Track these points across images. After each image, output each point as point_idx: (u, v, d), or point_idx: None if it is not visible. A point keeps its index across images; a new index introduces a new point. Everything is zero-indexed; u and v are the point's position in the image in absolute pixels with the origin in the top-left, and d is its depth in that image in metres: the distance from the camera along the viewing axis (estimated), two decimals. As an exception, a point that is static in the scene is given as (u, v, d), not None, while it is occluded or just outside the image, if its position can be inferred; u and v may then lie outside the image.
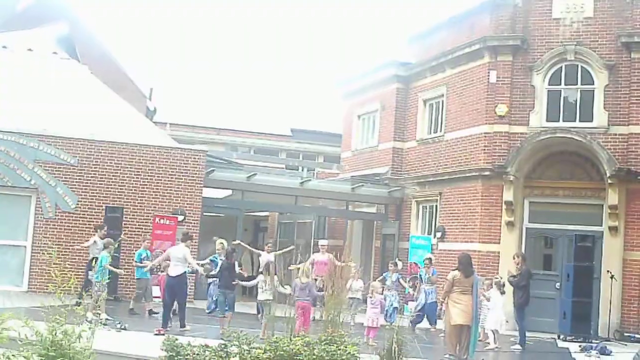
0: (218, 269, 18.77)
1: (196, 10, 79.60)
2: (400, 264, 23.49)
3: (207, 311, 20.98)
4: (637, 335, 20.56)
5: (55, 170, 23.38)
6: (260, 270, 22.11)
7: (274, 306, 14.87)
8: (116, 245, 18.52)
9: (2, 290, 21.62)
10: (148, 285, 20.26)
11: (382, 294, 17.84)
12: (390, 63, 28.96)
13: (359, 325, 16.76)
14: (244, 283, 18.71)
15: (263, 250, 22.61)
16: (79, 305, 7.97)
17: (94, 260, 18.46)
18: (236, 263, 18.09)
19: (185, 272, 17.15)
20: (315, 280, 18.65)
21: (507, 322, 18.89)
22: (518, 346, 17.99)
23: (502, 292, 18.00)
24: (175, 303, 17.28)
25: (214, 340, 12.67)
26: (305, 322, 15.29)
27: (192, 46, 71.55)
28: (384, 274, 22.15)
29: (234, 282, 17.49)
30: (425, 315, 20.79)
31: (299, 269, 17.75)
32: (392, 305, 21.40)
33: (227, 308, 17.19)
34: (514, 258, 19.40)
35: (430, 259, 22.38)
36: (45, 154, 23.34)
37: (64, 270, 7.59)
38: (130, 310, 19.85)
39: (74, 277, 7.54)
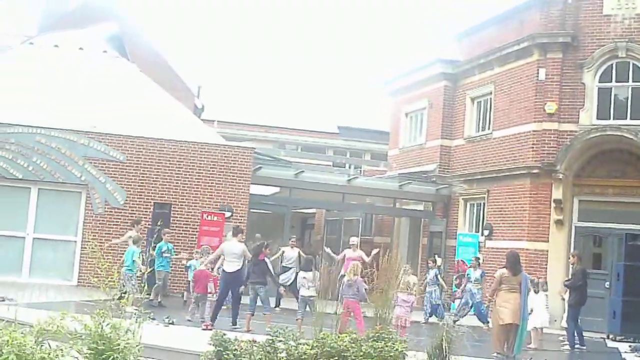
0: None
1: (239, 7, 79.90)
2: (439, 260, 23.47)
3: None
4: (687, 336, 20.23)
5: (105, 167, 23.63)
6: (289, 265, 22.17)
7: (317, 302, 14.82)
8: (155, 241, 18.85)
9: (53, 284, 21.93)
10: (167, 277, 20.45)
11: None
12: (437, 61, 28.83)
13: (412, 322, 16.71)
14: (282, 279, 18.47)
15: (286, 246, 22.65)
16: (120, 299, 8.04)
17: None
18: (266, 259, 17.78)
19: (242, 268, 17.14)
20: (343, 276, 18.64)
21: (555, 321, 18.65)
22: (567, 347, 17.80)
23: (536, 292, 17.61)
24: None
25: (260, 335, 12.72)
26: (359, 322, 14.96)
27: (241, 44, 71.85)
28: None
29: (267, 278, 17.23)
30: (476, 315, 20.75)
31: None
32: (433, 301, 21.46)
33: (264, 306, 16.86)
34: (569, 258, 19.21)
35: (478, 258, 22.32)
36: (95, 150, 23.62)
37: (108, 265, 7.67)
38: (151, 301, 19.56)
39: (117, 272, 7.60)
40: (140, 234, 20.62)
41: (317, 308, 14.40)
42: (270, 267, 17.76)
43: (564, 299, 18.66)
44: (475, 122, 27.15)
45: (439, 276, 22.22)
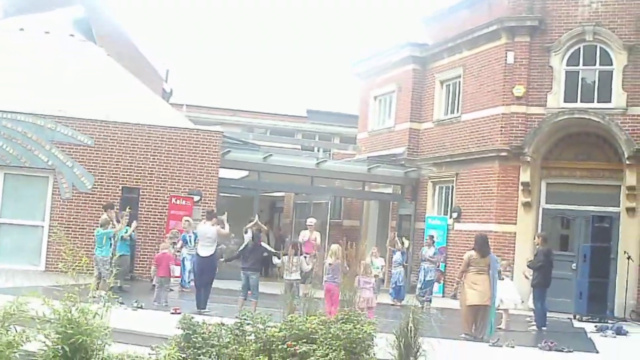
0: (243, 248, 18.39)
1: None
2: (407, 242, 23.61)
3: (181, 286, 21.12)
4: (653, 316, 20.51)
5: (72, 151, 23.46)
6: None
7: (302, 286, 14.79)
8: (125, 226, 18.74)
9: (20, 269, 21.78)
10: (126, 261, 20.20)
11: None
12: (406, 44, 28.82)
13: (379, 304, 16.73)
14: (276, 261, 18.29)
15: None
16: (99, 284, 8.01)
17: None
18: (263, 244, 17.67)
19: (215, 252, 17.08)
20: (305, 257, 18.65)
21: (522, 302, 18.78)
22: (534, 327, 17.94)
23: (501, 279, 17.63)
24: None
25: (229, 319, 12.72)
26: (334, 304, 14.92)
27: (209, 29, 71.49)
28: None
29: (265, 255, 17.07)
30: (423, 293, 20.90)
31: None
32: (397, 283, 21.65)
33: (251, 293, 16.74)
34: (534, 238, 19.35)
35: (432, 237, 22.57)
36: (63, 135, 23.43)
37: (75, 250, 7.62)
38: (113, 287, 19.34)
39: (85, 257, 7.55)
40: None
41: (299, 292, 14.37)
42: (270, 249, 17.55)
43: (527, 278, 18.80)
44: (444, 105, 27.22)
45: (404, 258, 22.50)
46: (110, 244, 18.34)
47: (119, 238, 19.47)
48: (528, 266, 18.57)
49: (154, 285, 19.17)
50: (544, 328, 17.78)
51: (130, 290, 19.07)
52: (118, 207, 21.25)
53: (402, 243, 23.10)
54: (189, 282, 21.02)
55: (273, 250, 18.12)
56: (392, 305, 21.08)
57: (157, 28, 66.71)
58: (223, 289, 20.08)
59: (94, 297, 7.58)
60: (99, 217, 22.27)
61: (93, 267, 17.26)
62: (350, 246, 14.36)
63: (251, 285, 16.53)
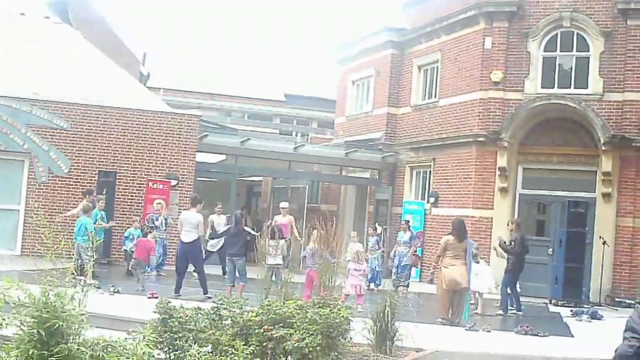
0: (224, 231, 18.29)
1: (190, -26, 79.05)
2: (380, 228, 23.66)
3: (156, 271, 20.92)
4: (627, 301, 20.64)
5: (49, 135, 23.30)
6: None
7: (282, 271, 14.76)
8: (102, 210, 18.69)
9: (-5, 253, 21.67)
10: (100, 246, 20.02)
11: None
12: (384, 29, 28.84)
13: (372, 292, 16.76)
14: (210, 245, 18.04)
15: (213, 214, 22.26)
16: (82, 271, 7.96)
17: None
18: (247, 228, 17.59)
19: (198, 237, 17.07)
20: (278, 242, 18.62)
21: (497, 286, 18.87)
22: (514, 312, 17.99)
23: (477, 262, 17.71)
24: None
25: (207, 303, 12.71)
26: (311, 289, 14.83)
27: (186, 12, 71.13)
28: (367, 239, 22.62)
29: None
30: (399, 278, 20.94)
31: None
32: (375, 268, 21.70)
33: (240, 277, 16.59)
34: (508, 224, 19.43)
35: (408, 222, 22.64)
36: (38, 118, 23.25)
37: (54, 233, 7.57)
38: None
39: (64, 241, 7.50)
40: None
41: (281, 277, 14.33)
42: (253, 233, 17.24)
43: (495, 249, 18.76)
44: (422, 90, 27.26)
45: (380, 243, 22.52)
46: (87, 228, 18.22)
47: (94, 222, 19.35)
48: (503, 249, 18.51)
49: (129, 270, 19.14)
50: (520, 312, 17.88)
51: (106, 275, 18.99)
52: (95, 192, 21.16)
53: (376, 228, 23.16)
54: (159, 266, 21.02)
55: (257, 234, 17.85)
56: (369, 290, 21.09)
57: (133, 11, 66.30)
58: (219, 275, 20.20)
59: (73, 281, 7.53)
60: (76, 201, 22.24)
61: (73, 252, 17.15)
62: (328, 230, 14.28)
63: (238, 269, 16.48)
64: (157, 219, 21.36)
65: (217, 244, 21.41)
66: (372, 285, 21.34)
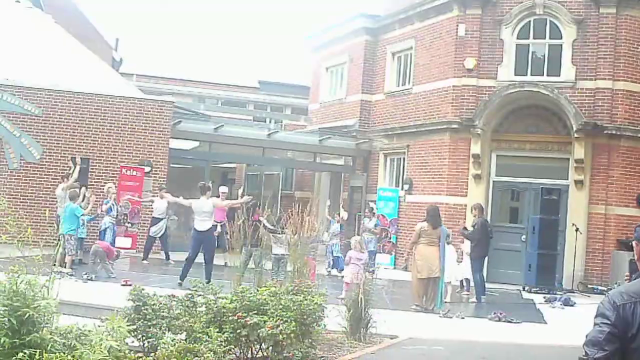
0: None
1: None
2: (345, 213, 23.57)
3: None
4: (600, 287, 20.81)
5: (20, 121, 23.10)
6: (159, 216, 21.72)
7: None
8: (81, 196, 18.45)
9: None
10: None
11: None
12: (358, 15, 28.76)
13: (335, 278, 16.66)
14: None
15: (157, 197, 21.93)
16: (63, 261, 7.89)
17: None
18: (262, 219, 17.15)
19: (212, 226, 16.94)
20: (216, 226, 18.63)
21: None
22: (474, 299, 18.03)
23: (448, 243, 17.72)
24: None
25: (181, 290, 12.68)
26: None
27: (159, -4, 70.60)
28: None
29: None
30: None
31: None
32: (333, 253, 21.69)
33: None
34: (471, 210, 19.48)
35: (372, 209, 22.70)
36: (9, 104, 23.03)
37: (19, 220, 7.49)
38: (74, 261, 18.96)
39: (30, 228, 7.42)
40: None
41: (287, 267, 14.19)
42: (269, 226, 16.95)
43: (462, 233, 18.78)
44: (396, 77, 27.25)
45: (342, 230, 22.59)
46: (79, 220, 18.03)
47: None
48: (465, 235, 18.53)
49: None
50: (483, 297, 17.92)
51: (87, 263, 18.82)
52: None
53: (339, 214, 23.15)
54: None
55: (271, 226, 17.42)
56: (330, 275, 20.86)
57: (106, -4, 65.71)
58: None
59: (45, 270, 7.47)
60: (48, 187, 22.10)
61: (57, 241, 16.99)
62: (302, 216, 14.18)
63: (254, 261, 15.85)
64: (106, 203, 20.74)
65: (160, 229, 21.40)
66: (334, 272, 21.28)
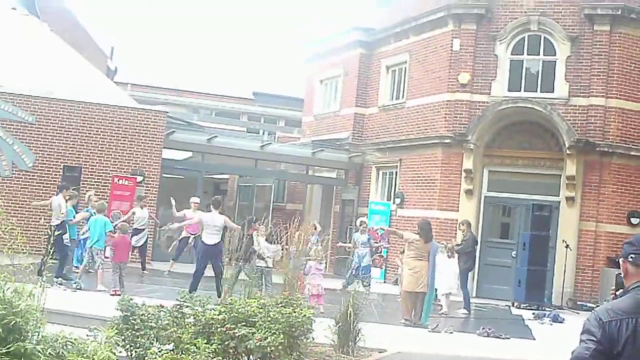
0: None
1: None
2: (318, 226, 23.35)
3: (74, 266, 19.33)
4: (589, 304, 20.81)
5: (13, 128, 23.06)
6: (140, 226, 21.64)
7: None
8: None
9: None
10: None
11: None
12: (353, 28, 28.84)
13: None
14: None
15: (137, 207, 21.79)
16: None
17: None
18: (254, 234, 17.09)
19: (221, 240, 16.81)
20: (188, 238, 18.63)
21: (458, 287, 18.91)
22: (464, 311, 18.10)
23: (450, 256, 17.91)
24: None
25: (170, 301, 12.65)
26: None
27: (156, 7, 70.78)
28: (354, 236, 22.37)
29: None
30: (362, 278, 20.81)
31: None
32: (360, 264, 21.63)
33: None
34: (459, 226, 19.52)
35: (362, 221, 22.55)
36: (3, 111, 22.99)
37: (11, 227, 7.46)
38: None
39: (19, 235, 7.38)
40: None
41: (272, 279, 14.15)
42: (256, 243, 16.96)
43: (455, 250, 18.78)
44: (390, 91, 27.29)
45: (318, 242, 22.39)
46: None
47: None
48: (457, 250, 18.59)
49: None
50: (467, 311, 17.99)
51: (68, 271, 18.70)
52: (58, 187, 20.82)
53: (315, 227, 22.95)
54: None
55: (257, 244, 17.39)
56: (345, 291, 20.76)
57: (102, 5, 65.85)
58: (180, 273, 20.13)
59: (32, 278, 7.44)
60: (40, 195, 22.00)
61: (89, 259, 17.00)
62: (293, 229, 14.12)
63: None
64: (87, 211, 19.75)
65: (141, 239, 21.33)
66: (357, 286, 21.10)
